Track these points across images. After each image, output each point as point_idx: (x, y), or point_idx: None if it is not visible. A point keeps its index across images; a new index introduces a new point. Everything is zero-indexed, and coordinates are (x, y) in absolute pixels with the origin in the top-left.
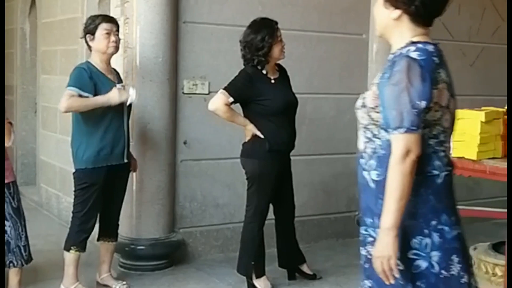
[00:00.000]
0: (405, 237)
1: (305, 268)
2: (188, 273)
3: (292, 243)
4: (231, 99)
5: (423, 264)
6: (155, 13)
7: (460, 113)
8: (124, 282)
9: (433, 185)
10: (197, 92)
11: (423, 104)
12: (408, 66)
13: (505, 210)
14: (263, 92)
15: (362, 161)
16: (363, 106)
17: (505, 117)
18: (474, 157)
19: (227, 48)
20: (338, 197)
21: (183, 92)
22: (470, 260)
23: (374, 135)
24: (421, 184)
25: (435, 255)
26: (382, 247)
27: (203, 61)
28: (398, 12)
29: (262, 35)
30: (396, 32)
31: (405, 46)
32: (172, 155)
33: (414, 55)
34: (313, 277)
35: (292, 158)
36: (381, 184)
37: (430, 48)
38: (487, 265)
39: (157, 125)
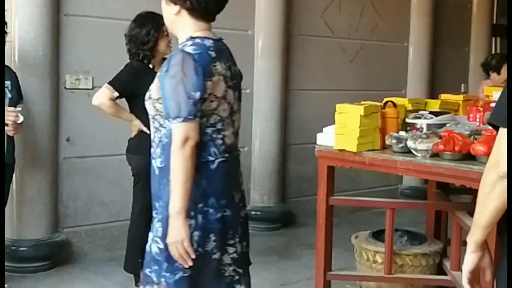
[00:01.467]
0: None
1: None
2: (74, 274)
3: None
4: (116, 94)
5: None
6: (34, 5)
7: (340, 107)
8: (7, 285)
9: (207, 170)
10: (80, 87)
11: (197, 95)
12: (183, 60)
13: (383, 200)
14: (149, 87)
15: (151, 150)
16: (149, 98)
17: (383, 110)
18: (354, 150)
19: (112, 42)
20: None
21: (65, 87)
22: (232, 241)
23: (161, 125)
24: (195, 169)
25: (196, 235)
26: (175, 232)
27: (86, 55)
28: (177, 7)
29: (147, 29)
30: (179, 27)
31: (185, 41)
32: (54, 152)
33: (190, 49)
34: None
35: None
36: (163, 170)
37: (208, 43)
38: (368, 252)
39: (38, 122)
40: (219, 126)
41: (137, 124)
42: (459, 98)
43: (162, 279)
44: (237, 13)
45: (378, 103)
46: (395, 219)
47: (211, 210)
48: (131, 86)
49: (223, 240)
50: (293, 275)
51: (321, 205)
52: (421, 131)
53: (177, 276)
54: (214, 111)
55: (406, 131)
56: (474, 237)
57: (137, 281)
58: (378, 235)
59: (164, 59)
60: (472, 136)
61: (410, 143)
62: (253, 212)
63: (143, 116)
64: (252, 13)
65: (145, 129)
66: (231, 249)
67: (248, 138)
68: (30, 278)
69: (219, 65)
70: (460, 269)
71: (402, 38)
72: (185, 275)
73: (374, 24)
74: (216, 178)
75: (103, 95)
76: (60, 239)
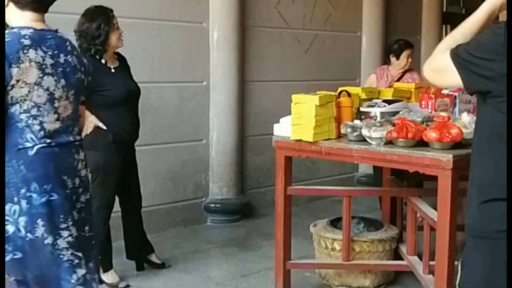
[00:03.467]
0: None
1: (153, 257)
2: None
3: (139, 234)
4: None
5: (10, 228)
6: None
7: (295, 98)
8: None
9: (25, 156)
10: None
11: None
12: None
13: (340, 188)
14: (102, 83)
15: None
16: None
17: (337, 100)
18: (311, 139)
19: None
20: (186, 184)
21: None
22: (64, 225)
23: None
24: (13, 156)
25: (22, 220)
26: None
27: None
28: (6, 0)
29: (97, 23)
30: (10, 18)
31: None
32: None
33: (6, 38)
34: (161, 266)
35: (138, 148)
36: None
37: (25, 31)
38: (326, 240)
39: None
40: (34, 112)
41: (92, 120)
42: (411, 86)
43: None
44: (191, 5)
45: (333, 93)
46: (352, 206)
47: (34, 195)
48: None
49: (53, 224)
50: (254, 265)
51: (279, 195)
52: (375, 119)
53: (8, 258)
54: (26, 97)
55: (361, 119)
56: None
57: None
58: (335, 223)
59: (116, 53)
60: (424, 123)
61: (364, 132)
62: (212, 205)
63: (98, 112)
64: (206, 5)
65: (101, 124)
66: (64, 233)
67: (205, 130)
68: None
69: (33, 52)
70: (415, 254)
71: (355, 28)
72: (16, 257)
73: (327, 15)
74: (37, 163)
75: None
76: None
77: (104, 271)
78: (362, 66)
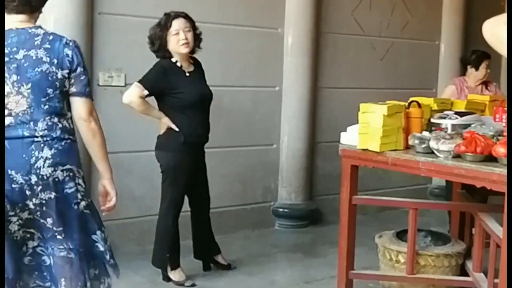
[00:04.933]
0: None
1: (219, 258)
2: None
3: (207, 234)
4: (146, 92)
5: None
6: (69, 3)
7: (363, 106)
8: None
9: None
10: (113, 84)
11: None
12: None
13: (407, 200)
14: (177, 85)
15: None
16: None
17: (407, 110)
18: (377, 149)
19: (144, 40)
20: (255, 187)
21: (98, 84)
22: (12, 212)
23: None
24: None
25: None
26: None
27: (119, 53)
28: None
29: (157, 29)
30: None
31: None
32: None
33: None
34: (227, 267)
35: (209, 150)
36: None
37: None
38: (391, 252)
39: None
40: None
41: (166, 122)
42: (485, 98)
43: None
44: (267, 11)
45: (402, 103)
46: (422, 219)
47: None
48: (160, 85)
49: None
50: (318, 272)
51: (344, 204)
52: (446, 132)
53: None
54: None
55: (431, 131)
56: None
57: (164, 276)
58: (402, 235)
59: (192, 58)
60: (495, 137)
61: (432, 144)
62: (280, 209)
63: (171, 114)
64: (282, 11)
65: (173, 126)
66: (14, 218)
67: (276, 135)
68: None
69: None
70: (481, 271)
71: (433, 37)
72: None
73: (405, 22)
74: None
75: (133, 93)
76: None
77: (172, 269)
78: (439, 76)
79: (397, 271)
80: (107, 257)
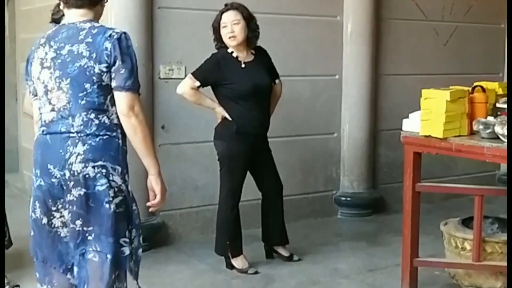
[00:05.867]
0: None
1: (280, 249)
2: (169, 255)
3: (273, 221)
4: (197, 83)
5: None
6: None
7: (425, 92)
8: None
9: (38, 142)
10: (173, 77)
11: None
12: None
13: (471, 186)
14: (229, 76)
15: None
16: None
17: (470, 95)
18: (441, 135)
19: (202, 32)
20: (316, 176)
21: (159, 77)
22: (54, 207)
23: None
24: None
25: (29, 201)
26: None
27: (178, 46)
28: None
29: (214, 21)
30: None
31: None
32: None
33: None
34: (289, 258)
35: (269, 140)
36: None
37: (49, 31)
38: (457, 239)
39: None
40: (39, 104)
41: (220, 111)
42: None
43: None
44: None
45: (466, 88)
46: (489, 206)
47: (33, 178)
48: (213, 76)
49: (46, 206)
50: (382, 261)
51: (407, 192)
52: None
53: (31, 234)
54: (35, 91)
55: (496, 116)
56: None
57: (227, 263)
58: (467, 222)
59: (255, 48)
60: None
61: (497, 129)
62: (342, 198)
63: (226, 104)
64: None
65: (227, 115)
66: (56, 214)
67: (337, 124)
68: None
69: (41, 50)
70: None
71: (498, 20)
72: (31, 234)
73: (468, 6)
74: (35, 150)
75: (185, 85)
76: (156, 222)
77: (234, 256)
78: (505, 60)
79: (463, 258)
80: (130, 261)
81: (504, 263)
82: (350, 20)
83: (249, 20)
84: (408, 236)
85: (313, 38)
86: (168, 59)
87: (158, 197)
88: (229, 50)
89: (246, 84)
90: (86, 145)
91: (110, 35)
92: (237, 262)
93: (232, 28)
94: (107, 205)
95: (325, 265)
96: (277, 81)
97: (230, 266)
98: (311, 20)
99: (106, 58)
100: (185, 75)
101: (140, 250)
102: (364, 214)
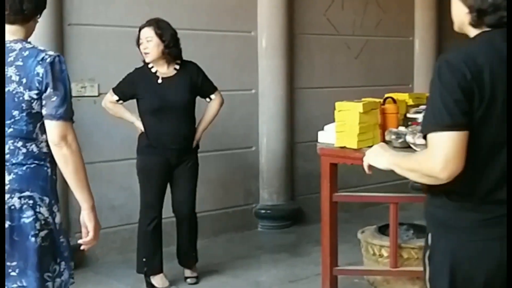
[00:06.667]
0: None
1: (186, 271)
2: (87, 277)
3: (183, 241)
4: (116, 97)
5: None
6: None
7: (339, 105)
8: None
9: None
10: (86, 94)
11: None
12: None
13: (386, 194)
14: (142, 91)
15: None
16: None
17: (382, 107)
18: (355, 146)
19: (115, 49)
20: (236, 191)
21: (71, 96)
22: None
23: None
24: None
25: None
26: None
27: (91, 63)
28: None
29: (137, 37)
30: None
31: None
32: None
33: None
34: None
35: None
36: None
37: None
38: (374, 247)
39: None
40: None
41: (138, 125)
42: None
43: None
44: (239, 15)
45: (378, 100)
46: (404, 213)
47: None
48: (129, 90)
49: None
50: (303, 271)
51: (325, 202)
52: None
53: None
54: None
55: (407, 126)
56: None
57: (147, 282)
58: (384, 230)
59: (181, 62)
60: None
61: (409, 138)
62: (262, 211)
63: (143, 117)
64: (254, 15)
65: (140, 129)
66: None
67: (255, 137)
68: None
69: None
70: None
71: (407, 33)
72: None
73: (378, 20)
74: None
75: (106, 99)
76: (72, 244)
77: (153, 274)
78: (415, 71)
79: (381, 265)
80: None
81: (420, 269)
82: (265, 35)
83: (163, 36)
84: (327, 246)
85: (229, 54)
86: (80, 77)
87: (91, 234)
88: (150, 65)
89: (155, 100)
90: (12, 174)
91: (42, 59)
92: (156, 281)
93: (146, 45)
94: (32, 239)
95: (246, 278)
96: (212, 96)
97: (150, 285)
98: (226, 36)
99: (37, 85)
100: (99, 93)
101: (71, 281)
102: (284, 226)
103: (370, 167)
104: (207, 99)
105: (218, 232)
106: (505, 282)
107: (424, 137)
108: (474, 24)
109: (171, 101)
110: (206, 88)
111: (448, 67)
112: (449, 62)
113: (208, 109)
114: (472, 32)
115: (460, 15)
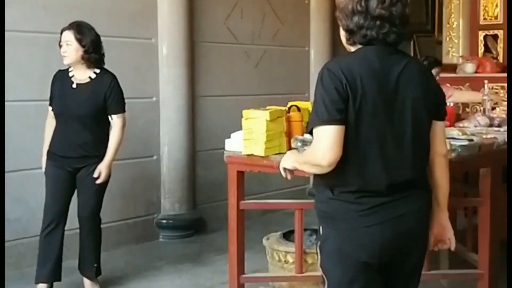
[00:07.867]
0: None
1: (86, 282)
2: None
3: (83, 245)
4: (50, 107)
5: None
6: None
7: (246, 113)
8: None
9: None
10: None
11: None
12: None
13: (292, 201)
14: (55, 93)
15: None
16: None
17: (288, 114)
18: (262, 154)
19: (12, 54)
20: (137, 201)
21: None
22: None
23: None
24: None
25: None
26: None
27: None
28: None
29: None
30: None
31: None
32: None
33: None
34: None
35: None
36: None
37: None
38: (279, 253)
39: None
40: None
41: (41, 161)
42: None
43: None
44: (139, 22)
45: (283, 108)
46: (305, 218)
47: None
48: (51, 92)
49: None
50: (207, 280)
51: (232, 210)
52: None
53: None
54: None
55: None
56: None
57: None
58: (288, 236)
59: (98, 71)
60: None
61: None
62: (164, 221)
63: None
64: (154, 21)
65: (50, 134)
66: None
67: (156, 146)
68: None
69: None
70: None
71: (303, 43)
72: None
73: (275, 30)
74: None
75: (48, 114)
76: None
77: (36, 283)
78: (311, 80)
79: (287, 271)
80: None
81: None
82: (165, 43)
83: (82, 41)
84: (234, 254)
85: (129, 60)
86: None
87: None
88: (70, 69)
89: (57, 105)
90: None
91: None
92: None
93: (65, 48)
94: None
95: None
96: (114, 117)
97: None
98: (125, 42)
99: None
100: None
101: None
102: (186, 235)
103: (288, 172)
104: (110, 117)
105: (118, 244)
106: (389, 258)
107: (310, 132)
108: (349, 42)
109: (72, 110)
110: (111, 106)
111: (329, 74)
112: (329, 70)
113: (110, 138)
114: (352, 49)
115: (342, 36)
